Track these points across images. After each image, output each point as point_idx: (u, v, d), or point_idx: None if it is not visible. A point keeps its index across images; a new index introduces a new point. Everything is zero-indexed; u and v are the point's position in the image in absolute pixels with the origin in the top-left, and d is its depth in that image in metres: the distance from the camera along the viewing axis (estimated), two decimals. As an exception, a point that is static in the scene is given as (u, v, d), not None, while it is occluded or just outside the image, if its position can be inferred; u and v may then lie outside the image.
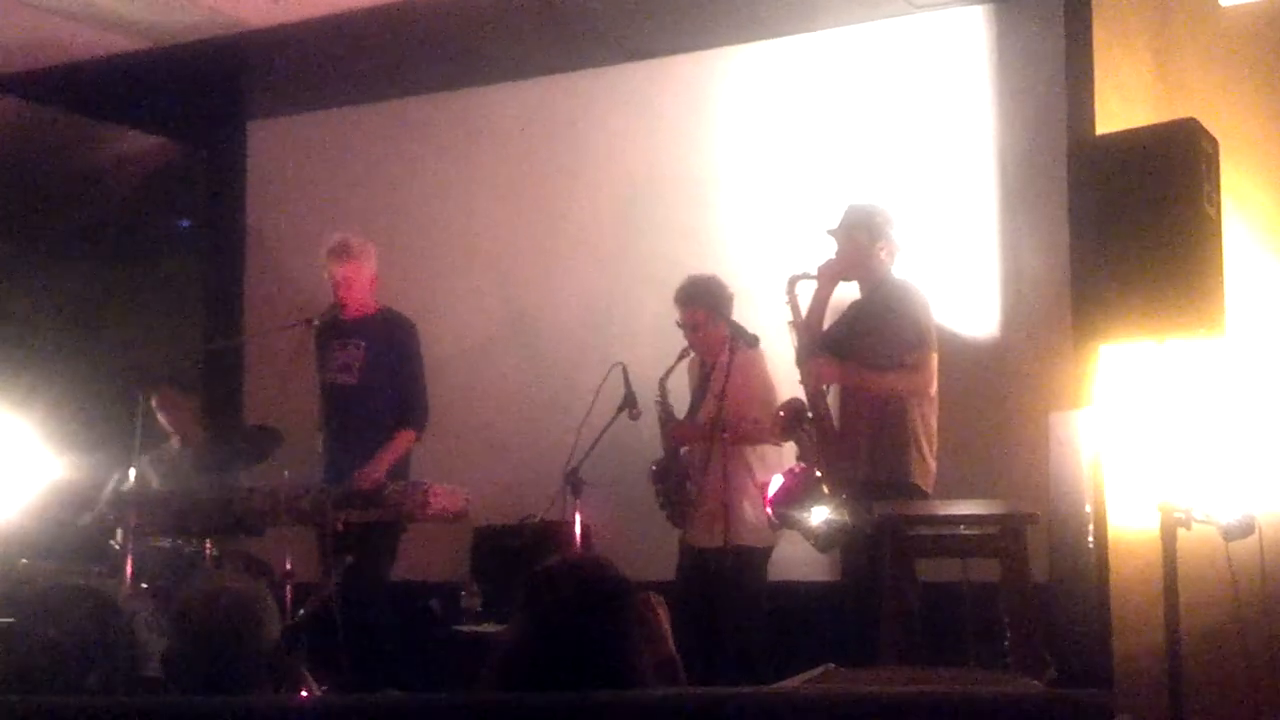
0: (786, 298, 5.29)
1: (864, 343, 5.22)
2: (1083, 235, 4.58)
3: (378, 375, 5.72)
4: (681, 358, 5.77)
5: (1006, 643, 4.59)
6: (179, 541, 5.74)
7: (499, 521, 6.24)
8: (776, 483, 5.18)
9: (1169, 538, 4.36)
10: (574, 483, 5.50)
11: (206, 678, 3.03)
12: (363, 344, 5.74)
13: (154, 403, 6.40)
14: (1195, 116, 4.49)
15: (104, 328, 8.84)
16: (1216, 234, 4.41)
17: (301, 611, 5.22)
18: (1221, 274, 4.41)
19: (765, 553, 5.57)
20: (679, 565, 5.68)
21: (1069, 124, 5.57)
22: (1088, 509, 4.61)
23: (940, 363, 5.22)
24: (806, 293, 5.34)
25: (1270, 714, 4.73)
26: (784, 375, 5.46)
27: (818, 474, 5.07)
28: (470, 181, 7.30)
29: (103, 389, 7.11)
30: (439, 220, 7.34)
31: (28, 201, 8.70)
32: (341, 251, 5.75)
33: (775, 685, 3.59)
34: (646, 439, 5.79)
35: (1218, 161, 4.46)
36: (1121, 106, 5.20)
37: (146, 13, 6.51)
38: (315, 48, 6.83)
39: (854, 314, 5.36)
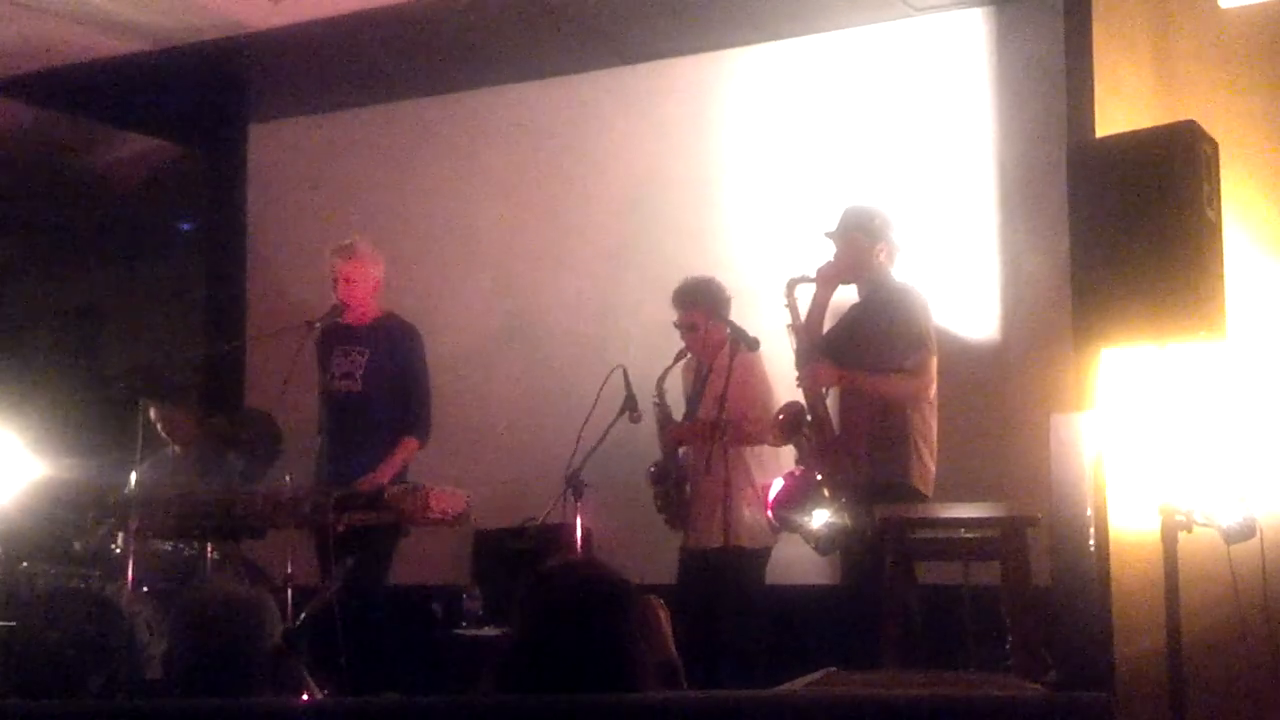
0: (786, 301, 5.29)
1: (863, 346, 5.22)
2: (1083, 238, 4.58)
3: (381, 383, 5.71)
4: (679, 359, 5.77)
5: (1007, 645, 4.60)
6: (180, 544, 5.73)
7: (500, 524, 6.23)
8: (777, 485, 5.19)
9: (1170, 540, 4.36)
10: (575, 485, 5.50)
11: (207, 680, 3.03)
12: (366, 351, 5.73)
13: (152, 416, 6.42)
14: (1195, 119, 4.49)
15: (105, 330, 8.85)
16: (1216, 237, 4.41)
17: (302, 614, 5.21)
18: (1222, 277, 4.41)
19: (764, 554, 5.57)
20: (680, 569, 5.68)
21: (1068, 126, 5.57)
22: (1089, 512, 4.60)
23: (941, 365, 5.22)
24: (806, 296, 5.35)
25: (1272, 717, 4.73)
26: (783, 378, 5.46)
27: (818, 477, 5.07)
28: (472, 184, 7.30)
29: (103, 391, 7.12)
30: (440, 222, 7.34)
31: (29, 203, 8.71)
32: (347, 250, 5.74)
33: (776, 688, 3.59)
34: (647, 441, 5.79)
35: (1217, 164, 4.46)
36: (1121, 109, 5.20)
37: (148, 15, 6.52)
38: (316, 50, 6.83)
39: (853, 317, 5.36)
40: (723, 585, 5.43)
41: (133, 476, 5.50)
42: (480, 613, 5.97)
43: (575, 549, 5.44)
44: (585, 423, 5.58)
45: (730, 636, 5.42)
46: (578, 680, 2.55)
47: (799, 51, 6.59)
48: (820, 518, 4.98)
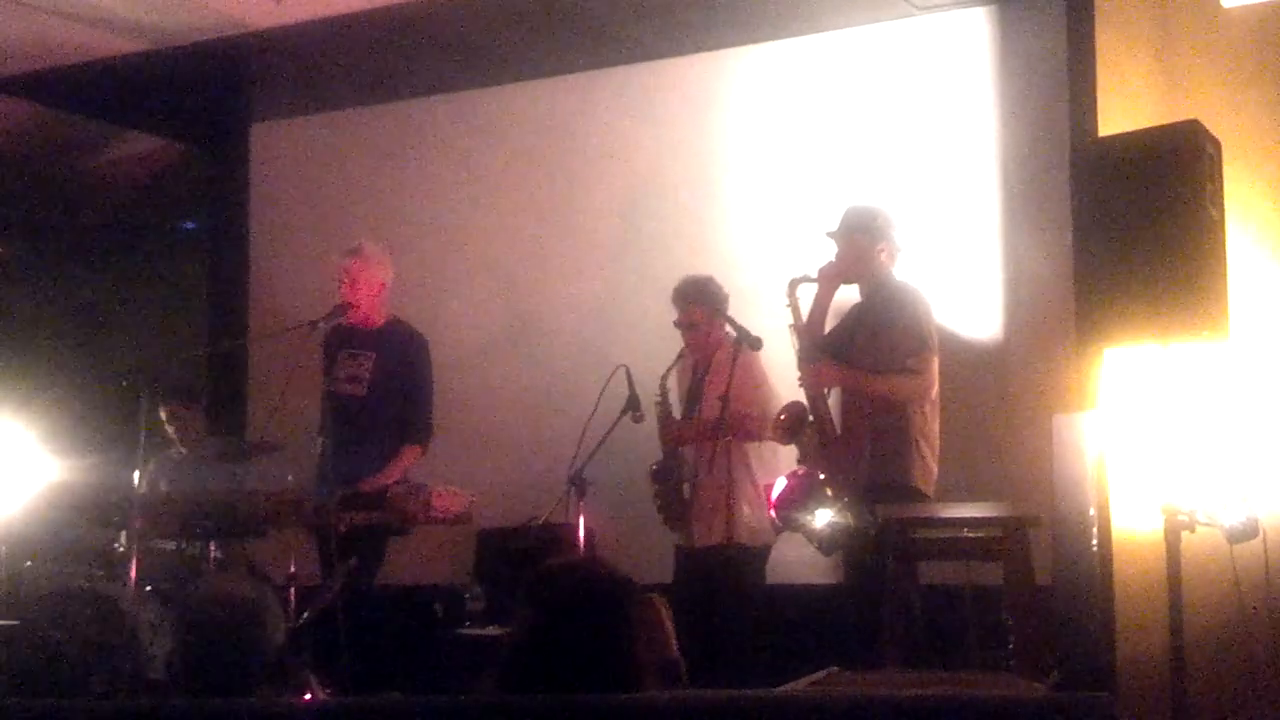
0: (787, 300, 5.30)
1: (865, 346, 5.22)
2: (1086, 237, 4.58)
3: (386, 388, 5.72)
4: (681, 357, 5.78)
5: (1009, 645, 4.60)
6: (183, 544, 5.73)
7: (503, 524, 6.23)
8: (780, 485, 5.18)
9: (1173, 540, 4.36)
10: (578, 485, 5.50)
11: (210, 680, 3.04)
12: (373, 355, 5.74)
13: (162, 415, 6.43)
14: (1198, 118, 4.48)
15: (107, 330, 8.84)
16: (1219, 236, 4.41)
17: (305, 614, 5.22)
18: (1225, 276, 4.40)
19: (764, 552, 5.58)
20: (676, 568, 5.68)
21: (1071, 126, 5.56)
22: (1091, 512, 4.60)
23: (943, 365, 5.22)
24: (807, 296, 5.35)
25: (1274, 716, 4.73)
26: (785, 378, 5.46)
27: (821, 476, 5.07)
28: (473, 183, 7.30)
29: (107, 391, 7.11)
30: (442, 222, 7.34)
31: (31, 203, 8.72)
32: (355, 250, 5.75)
33: (778, 688, 3.59)
34: (650, 441, 5.79)
35: (1220, 163, 4.46)
36: (1124, 108, 5.20)
37: (150, 14, 6.52)
38: (319, 49, 6.83)
39: (855, 317, 5.36)
40: (723, 583, 5.43)
41: (136, 476, 5.51)
42: (482, 612, 5.97)
43: (578, 548, 5.44)
44: (588, 422, 5.57)
45: (731, 635, 5.42)
46: (580, 680, 2.55)
47: (801, 51, 6.58)
48: (823, 517, 4.98)
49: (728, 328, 5.54)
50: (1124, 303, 4.37)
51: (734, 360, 5.30)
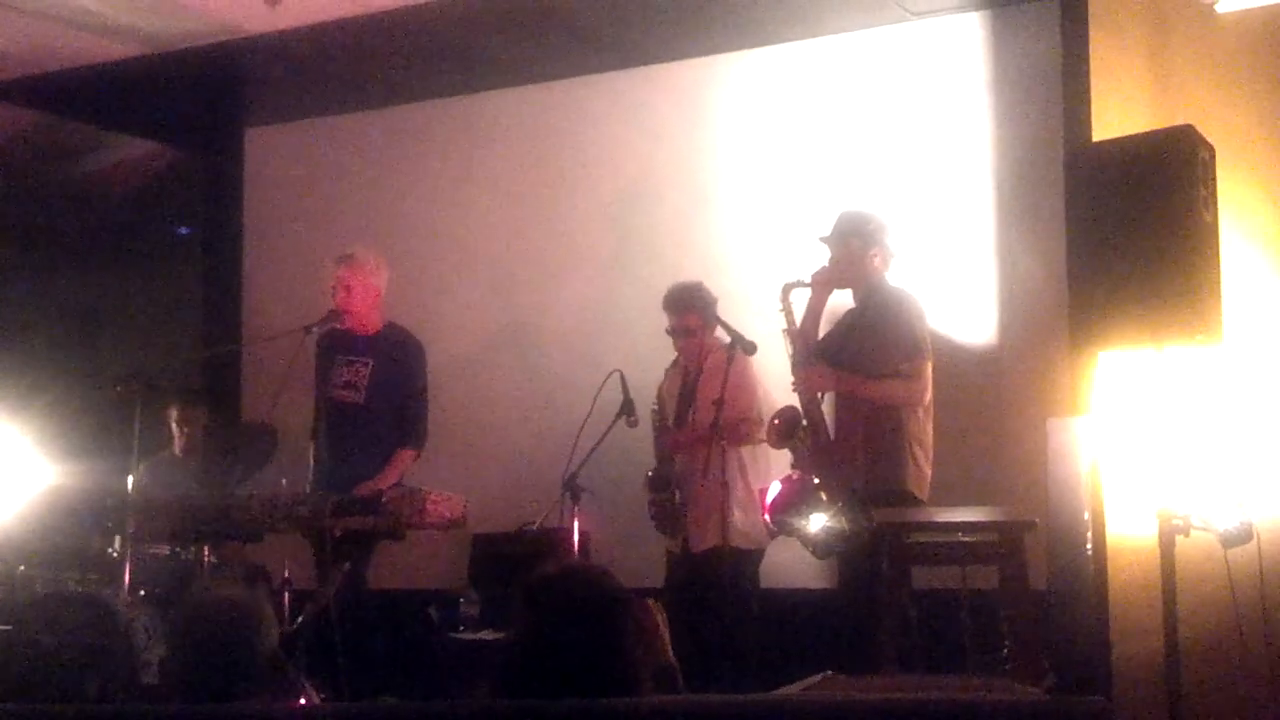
0: (781, 305, 5.30)
1: (859, 350, 5.22)
2: (1079, 241, 4.59)
3: (383, 394, 5.73)
4: (676, 365, 5.78)
5: (1005, 650, 4.60)
6: (177, 549, 5.73)
7: (497, 528, 6.23)
8: (774, 489, 5.19)
9: (1167, 545, 4.37)
10: (572, 489, 5.50)
11: (204, 685, 3.03)
12: (370, 362, 5.74)
13: (173, 416, 6.44)
14: (1192, 123, 4.49)
15: (102, 334, 8.84)
16: (1213, 240, 4.42)
17: (299, 619, 5.21)
18: (1219, 280, 4.41)
19: (757, 555, 5.60)
20: (669, 573, 5.69)
21: (1065, 130, 5.57)
22: (1086, 516, 4.60)
23: (937, 370, 5.23)
24: (801, 301, 5.35)
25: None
26: (778, 382, 5.47)
27: (815, 481, 5.07)
28: (468, 188, 7.30)
29: (101, 396, 7.11)
30: (436, 226, 7.34)
31: (26, 207, 8.71)
32: (348, 257, 5.75)
33: (774, 692, 3.59)
34: (644, 446, 5.80)
35: (1214, 168, 4.47)
36: (1118, 113, 5.21)
37: (145, 20, 6.52)
38: (313, 55, 6.84)
39: (849, 322, 5.37)
40: (717, 586, 5.43)
41: (130, 480, 5.50)
42: (477, 617, 5.97)
43: (572, 553, 5.44)
44: (582, 427, 5.58)
45: (725, 638, 5.42)
46: (575, 685, 2.55)
47: (795, 56, 6.59)
48: (818, 522, 4.98)
49: (720, 332, 5.54)
50: (1118, 306, 4.38)
51: (728, 364, 5.30)
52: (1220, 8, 5.15)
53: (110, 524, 5.65)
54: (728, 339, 5.41)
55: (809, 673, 4.02)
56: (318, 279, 5.90)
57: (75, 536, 5.76)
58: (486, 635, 5.81)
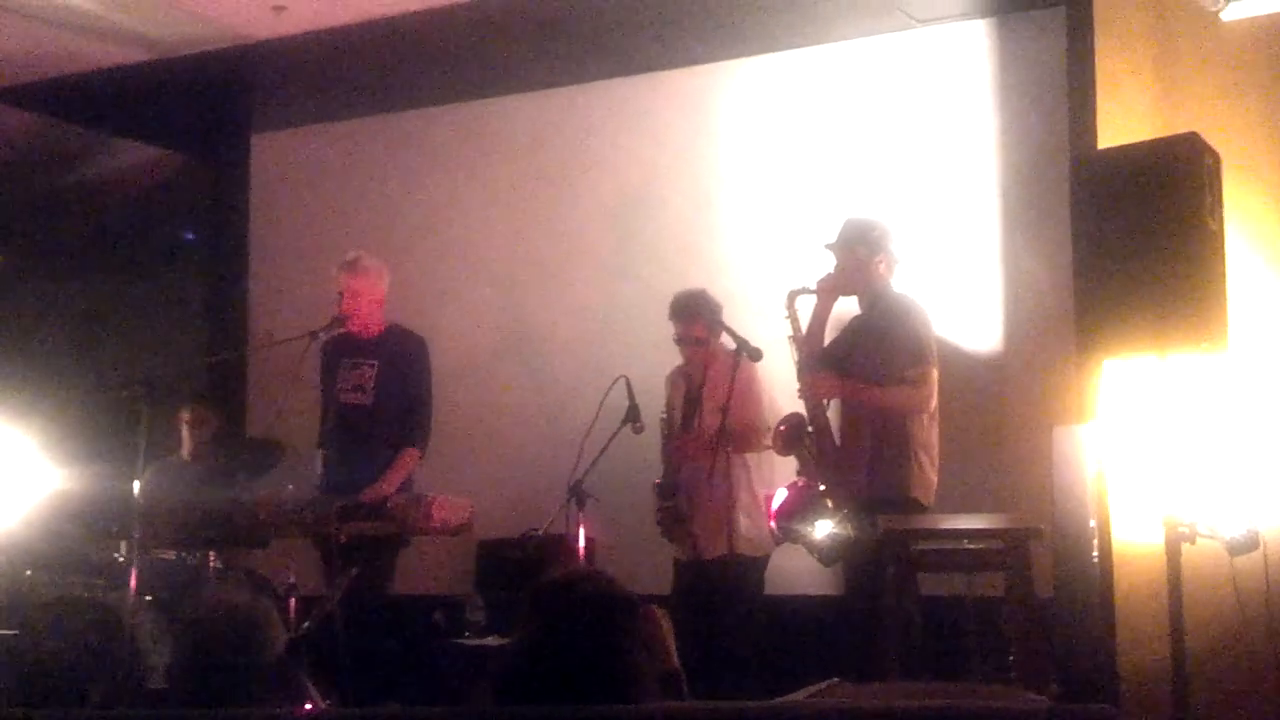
0: (786, 312, 5.30)
1: (864, 357, 5.23)
2: (1085, 249, 4.58)
3: (390, 394, 5.73)
4: (687, 377, 5.78)
5: (1011, 657, 4.59)
6: (183, 554, 5.74)
7: (503, 534, 6.23)
8: (780, 496, 5.19)
9: (1173, 552, 4.36)
10: (578, 495, 5.50)
11: (210, 690, 3.03)
12: (375, 364, 5.75)
13: (185, 418, 6.44)
14: (1197, 130, 4.49)
15: (107, 339, 8.84)
16: (1219, 248, 4.42)
17: (305, 624, 5.21)
18: (1224, 288, 4.41)
19: (762, 562, 5.60)
20: (675, 580, 5.68)
21: (1071, 138, 5.58)
22: (1092, 523, 4.60)
23: (943, 377, 5.22)
24: (806, 308, 5.35)
25: (1274, 728, 4.72)
26: (784, 389, 5.47)
27: (821, 488, 5.08)
28: (472, 193, 7.31)
29: (106, 401, 7.13)
30: (441, 233, 7.35)
31: (32, 213, 8.72)
32: (352, 264, 5.77)
33: (779, 699, 3.59)
34: (650, 452, 5.79)
35: (1219, 175, 4.46)
36: (1123, 121, 5.21)
37: (150, 25, 6.53)
38: (318, 61, 6.85)
39: (854, 329, 5.37)
40: (724, 594, 5.43)
41: (136, 485, 5.51)
42: (483, 622, 5.98)
43: (578, 559, 5.44)
44: (587, 433, 5.57)
45: (731, 646, 5.42)
46: (580, 691, 2.55)
47: (800, 63, 6.60)
48: (823, 529, 4.99)
49: (725, 338, 5.54)
50: (1123, 314, 4.37)
51: (734, 371, 5.30)
52: (1226, 15, 5.15)
53: (116, 529, 5.66)
54: (733, 346, 5.41)
55: (814, 679, 4.01)
56: (323, 284, 5.90)
57: (81, 541, 5.77)
58: (492, 641, 5.81)
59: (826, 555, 5.06)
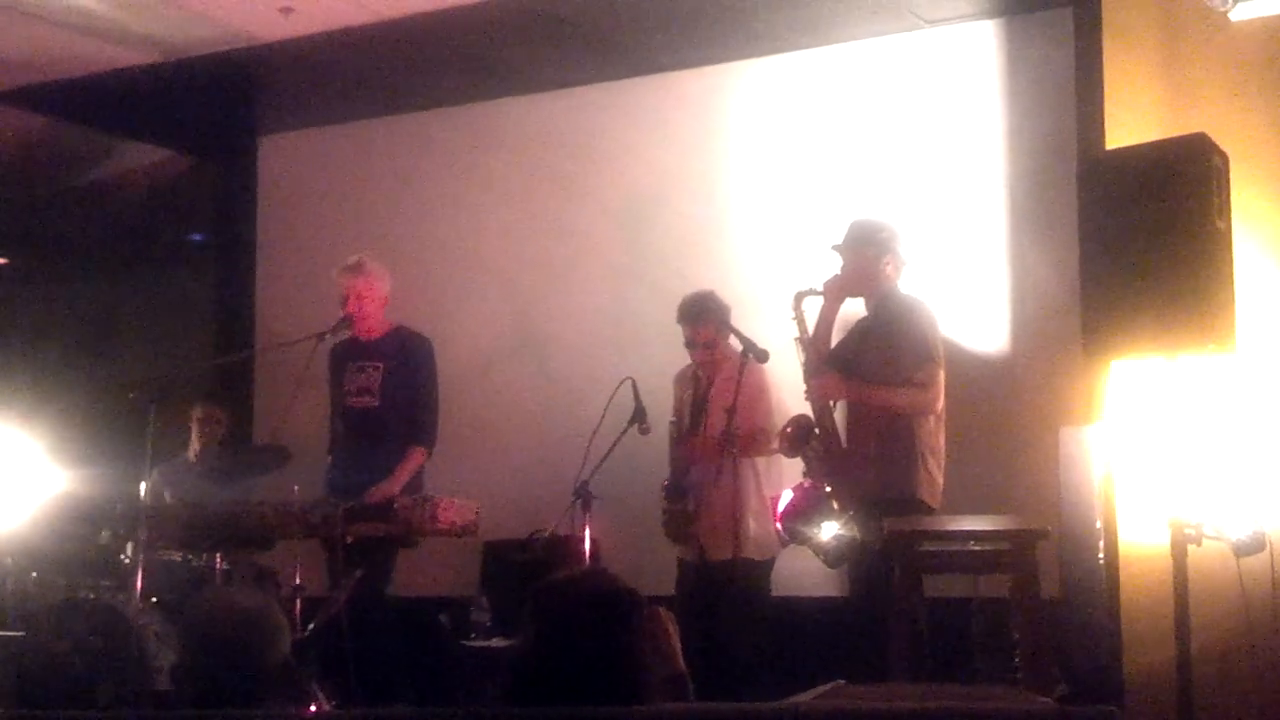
0: (793, 314, 5.30)
1: (871, 359, 5.22)
2: (1092, 250, 4.57)
3: (397, 396, 5.74)
4: (695, 379, 5.78)
5: (1017, 658, 4.58)
6: (189, 555, 5.74)
7: (508, 536, 6.23)
8: (786, 498, 5.19)
9: (1179, 554, 4.35)
10: (584, 497, 5.50)
11: (216, 692, 3.03)
12: (381, 366, 5.76)
13: (196, 415, 6.45)
14: (1205, 131, 4.48)
15: (115, 341, 8.86)
16: (1227, 249, 4.40)
17: (311, 625, 5.22)
18: (1232, 289, 4.40)
19: (769, 565, 5.59)
20: (680, 581, 5.68)
21: (1079, 138, 5.57)
22: (1098, 525, 4.60)
23: (950, 378, 5.22)
24: (813, 309, 5.35)
25: (1281, 731, 4.71)
26: (791, 390, 5.46)
27: (827, 489, 5.07)
28: (480, 195, 7.32)
29: (113, 402, 7.14)
30: (448, 233, 7.36)
31: (40, 214, 8.74)
32: (355, 267, 5.78)
33: (785, 700, 3.58)
34: (656, 453, 5.79)
35: (1228, 176, 4.45)
36: (1131, 121, 5.20)
37: (158, 27, 6.54)
38: (326, 62, 6.86)
39: (861, 330, 5.36)
40: (729, 597, 5.43)
41: (143, 487, 5.52)
42: (488, 624, 5.97)
43: (584, 560, 5.44)
44: (594, 434, 5.57)
45: (737, 647, 5.42)
46: (586, 692, 2.55)
47: (808, 63, 6.59)
48: (829, 530, 4.98)
49: (733, 340, 5.54)
50: (1130, 315, 4.36)
51: (740, 373, 5.30)
52: (1234, 16, 5.14)
53: (123, 530, 5.67)
54: (740, 347, 5.40)
55: (820, 681, 4.00)
56: (331, 286, 5.91)
57: (88, 543, 5.78)
58: (497, 642, 5.81)
59: (832, 557, 5.05)
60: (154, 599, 5.50)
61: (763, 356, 5.35)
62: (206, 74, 6.95)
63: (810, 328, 5.31)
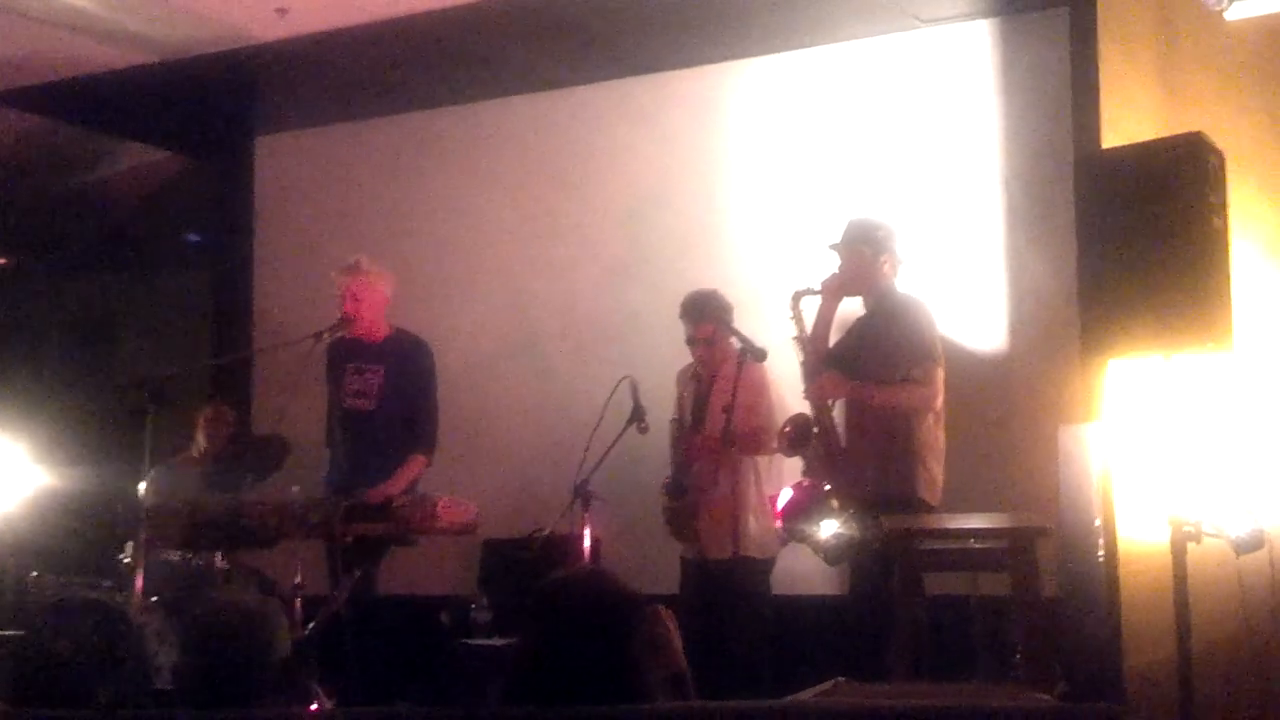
0: (791, 313, 5.31)
1: (870, 357, 5.23)
2: (1089, 249, 4.57)
3: (394, 400, 5.74)
4: (696, 377, 5.78)
5: (1016, 656, 4.59)
6: (189, 554, 5.74)
7: (508, 534, 6.24)
8: (785, 496, 5.20)
9: (1179, 551, 4.36)
10: (583, 496, 5.50)
11: (217, 691, 3.04)
12: (380, 369, 5.76)
13: (204, 416, 6.45)
14: (1201, 130, 4.48)
15: (112, 341, 8.87)
16: (1223, 247, 4.41)
17: (311, 625, 5.22)
18: (1228, 288, 4.40)
19: (769, 564, 5.60)
20: (682, 580, 5.69)
21: (1075, 138, 5.57)
22: (1097, 523, 4.60)
23: (949, 377, 5.23)
24: (811, 308, 5.35)
25: (1280, 728, 4.72)
26: (790, 389, 5.47)
27: (827, 488, 5.08)
28: (478, 195, 7.32)
29: (112, 401, 7.15)
30: (447, 233, 7.36)
31: (38, 215, 8.74)
32: (353, 267, 5.78)
33: (785, 699, 3.59)
34: (655, 452, 5.80)
35: (1224, 175, 4.46)
36: (1127, 120, 5.20)
37: (155, 27, 6.54)
38: (323, 62, 6.86)
39: (859, 329, 5.37)
40: (730, 595, 5.44)
41: (142, 486, 5.52)
42: (488, 623, 5.97)
43: (583, 559, 5.44)
44: (593, 433, 5.58)
45: (737, 647, 5.42)
46: (586, 691, 2.55)
47: (805, 63, 6.60)
48: (829, 528, 4.99)
49: (733, 339, 5.55)
50: (1128, 314, 4.37)
51: (738, 372, 5.31)
52: (1229, 15, 5.15)
53: (122, 530, 5.66)
54: (739, 346, 5.41)
55: (820, 679, 4.02)
56: (328, 286, 5.91)
57: (87, 542, 5.78)
58: (497, 641, 5.81)
59: (832, 555, 5.06)
60: (154, 598, 5.50)
61: (759, 355, 5.36)
62: (203, 74, 6.95)
63: (809, 327, 5.32)
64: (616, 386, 5.64)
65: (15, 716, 3.68)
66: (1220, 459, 4.57)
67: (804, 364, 5.29)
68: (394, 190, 7.51)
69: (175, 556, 5.77)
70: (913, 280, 5.40)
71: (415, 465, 5.69)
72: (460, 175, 7.37)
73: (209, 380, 7.71)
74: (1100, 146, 5.15)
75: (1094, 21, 5.37)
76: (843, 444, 5.24)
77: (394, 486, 5.55)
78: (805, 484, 5.17)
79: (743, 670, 5.35)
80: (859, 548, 4.97)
